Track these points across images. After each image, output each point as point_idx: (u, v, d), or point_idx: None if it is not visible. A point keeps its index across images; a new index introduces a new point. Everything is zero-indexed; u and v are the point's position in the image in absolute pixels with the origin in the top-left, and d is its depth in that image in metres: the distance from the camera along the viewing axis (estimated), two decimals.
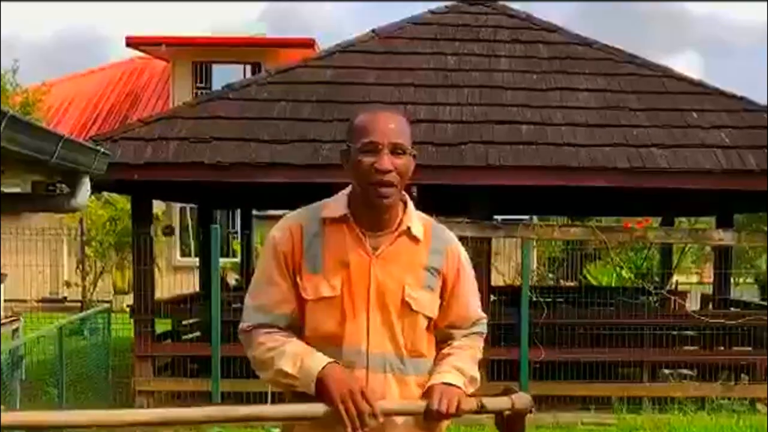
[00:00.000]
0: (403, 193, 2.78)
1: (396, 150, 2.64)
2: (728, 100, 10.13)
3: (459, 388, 2.70)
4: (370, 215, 2.71)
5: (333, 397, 2.52)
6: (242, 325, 2.80)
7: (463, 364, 2.79)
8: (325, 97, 9.44)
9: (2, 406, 6.78)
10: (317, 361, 2.61)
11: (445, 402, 2.61)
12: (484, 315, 2.97)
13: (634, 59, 10.80)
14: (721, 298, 12.33)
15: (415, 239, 2.74)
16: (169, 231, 19.86)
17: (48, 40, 62.83)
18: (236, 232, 19.33)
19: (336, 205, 2.77)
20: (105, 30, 72.77)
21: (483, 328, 2.96)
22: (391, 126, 2.67)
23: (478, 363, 2.89)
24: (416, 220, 2.78)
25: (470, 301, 2.90)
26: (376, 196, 2.64)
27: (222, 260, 9.71)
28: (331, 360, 2.61)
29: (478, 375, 2.84)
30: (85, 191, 5.96)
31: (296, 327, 2.75)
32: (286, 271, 2.74)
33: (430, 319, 2.77)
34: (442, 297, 2.80)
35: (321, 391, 2.56)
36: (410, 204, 2.81)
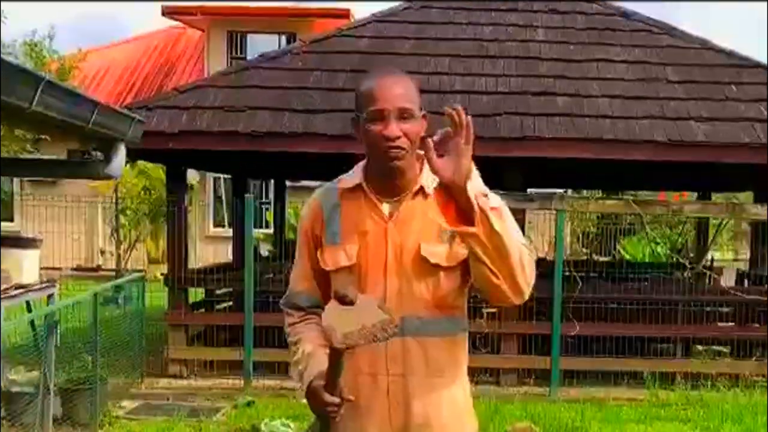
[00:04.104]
0: (420, 153, 2.71)
1: (403, 115, 2.61)
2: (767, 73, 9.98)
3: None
4: (386, 181, 2.69)
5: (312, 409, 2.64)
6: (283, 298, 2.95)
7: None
8: (359, 67, 9.38)
9: (39, 371, 6.86)
10: (307, 374, 2.66)
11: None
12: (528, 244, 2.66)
13: (672, 31, 10.66)
14: (757, 274, 12.19)
15: (430, 197, 2.66)
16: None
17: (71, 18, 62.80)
18: (269, 203, 19.38)
19: (352, 175, 2.78)
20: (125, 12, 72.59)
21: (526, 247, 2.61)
22: (396, 91, 2.63)
23: (519, 246, 2.51)
24: (432, 177, 2.67)
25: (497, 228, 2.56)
26: (388, 161, 2.61)
27: (255, 231, 9.72)
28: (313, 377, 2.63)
29: (508, 224, 2.48)
30: (120, 158, 5.98)
31: (317, 303, 2.79)
32: (308, 247, 2.81)
33: (455, 272, 2.67)
34: None
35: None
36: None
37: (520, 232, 2.64)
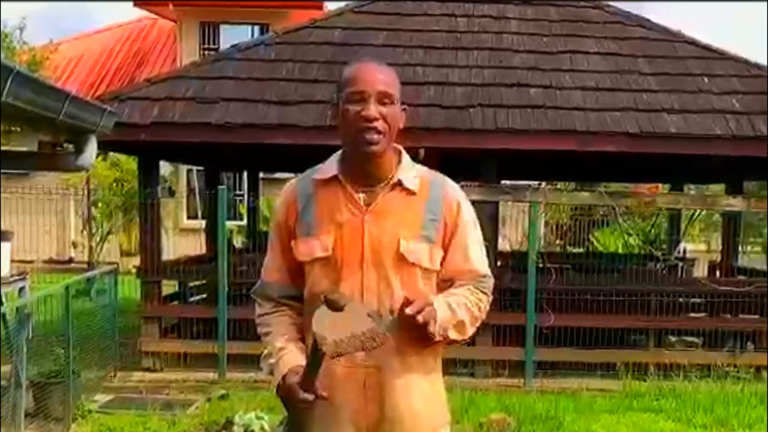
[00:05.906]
0: (397, 146, 2.75)
1: (383, 99, 2.62)
2: (739, 65, 10.04)
3: (437, 312, 2.58)
4: (361, 169, 2.68)
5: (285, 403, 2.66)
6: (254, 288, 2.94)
7: (455, 305, 2.67)
8: (333, 59, 9.36)
9: (10, 364, 6.80)
10: (279, 371, 2.66)
11: (418, 308, 2.48)
12: (490, 274, 2.83)
13: (646, 23, 10.70)
14: (729, 265, 12.28)
15: (409, 192, 2.69)
16: (170, 193, 19.87)
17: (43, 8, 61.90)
18: (243, 195, 19.32)
19: (327, 166, 2.77)
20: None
21: (487, 286, 2.81)
22: (378, 76, 2.65)
23: (474, 318, 2.74)
24: (411, 172, 2.74)
25: (471, 255, 2.77)
26: (364, 142, 2.61)
27: (228, 223, 9.68)
28: (285, 372, 2.63)
29: (467, 323, 2.72)
30: (91, 150, 5.94)
31: (289, 294, 2.81)
32: (280, 238, 2.80)
33: (430, 273, 2.70)
34: (444, 248, 2.74)
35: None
36: (405, 157, 2.78)
37: (485, 259, 2.84)
